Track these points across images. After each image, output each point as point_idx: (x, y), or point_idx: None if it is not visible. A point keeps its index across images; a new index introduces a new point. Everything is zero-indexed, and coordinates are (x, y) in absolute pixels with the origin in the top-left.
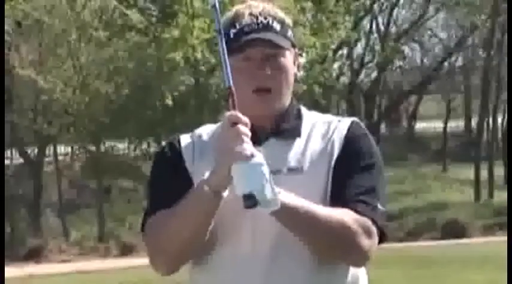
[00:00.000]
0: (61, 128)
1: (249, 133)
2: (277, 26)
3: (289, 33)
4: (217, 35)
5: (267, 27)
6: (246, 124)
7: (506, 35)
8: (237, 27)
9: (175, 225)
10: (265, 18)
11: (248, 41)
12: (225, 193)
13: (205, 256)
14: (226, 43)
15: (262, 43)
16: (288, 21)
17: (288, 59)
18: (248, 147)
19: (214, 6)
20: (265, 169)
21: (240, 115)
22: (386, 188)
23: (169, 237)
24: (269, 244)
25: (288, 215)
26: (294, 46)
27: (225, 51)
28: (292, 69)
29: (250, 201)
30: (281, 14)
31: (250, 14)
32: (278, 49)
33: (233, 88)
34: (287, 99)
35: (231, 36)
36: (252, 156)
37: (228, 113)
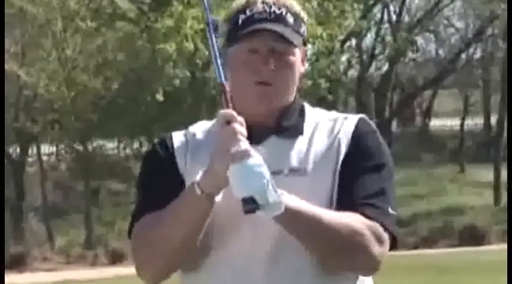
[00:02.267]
0: (45, 126)
1: (245, 132)
2: (290, 19)
3: (303, 28)
4: (206, 27)
5: (280, 19)
6: (241, 123)
7: None
8: (247, 13)
9: (165, 230)
10: (279, 9)
11: (257, 30)
12: (218, 197)
13: (199, 262)
14: (233, 29)
15: (271, 35)
16: (303, 15)
17: (296, 55)
18: (245, 146)
19: None
20: (265, 170)
21: (234, 113)
22: (397, 190)
23: (158, 242)
24: (270, 249)
25: (292, 220)
26: (305, 43)
27: (215, 45)
28: (299, 66)
29: (251, 205)
30: (297, 7)
31: (263, 2)
32: (288, 45)
33: (226, 85)
34: (290, 97)
35: (239, 22)
36: (250, 156)
37: (221, 111)
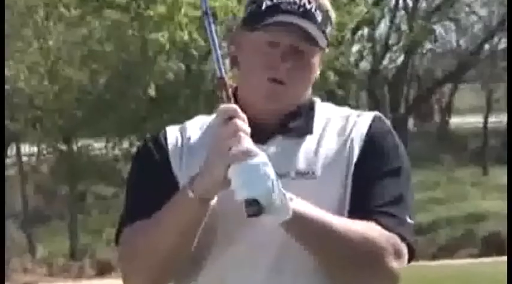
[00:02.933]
0: (25, 123)
1: (249, 130)
2: (319, 17)
3: (329, 29)
4: (204, 16)
5: (308, 15)
6: (243, 120)
7: None
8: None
9: (154, 238)
10: (309, 3)
11: (280, 23)
12: (214, 201)
13: (194, 272)
14: (253, 12)
15: (297, 32)
16: (332, 15)
17: (316, 56)
18: (248, 144)
19: None
20: (271, 170)
21: (237, 108)
22: (414, 195)
23: (147, 252)
24: (273, 258)
25: (301, 226)
26: (327, 45)
27: (214, 36)
28: (316, 70)
29: (254, 207)
30: (328, 4)
31: None
32: (312, 46)
33: (226, 79)
34: (302, 97)
35: (263, 7)
36: (254, 154)
37: (222, 106)
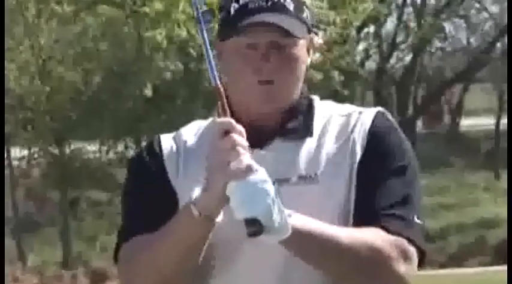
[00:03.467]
0: (16, 125)
1: (246, 144)
2: (290, 6)
3: (305, 13)
4: (197, 24)
5: (278, 7)
6: (241, 133)
7: None
8: (240, 1)
9: (157, 256)
10: None
11: (252, 24)
12: (219, 218)
13: None
14: (224, 19)
15: (270, 28)
16: None
17: (300, 46)
18: (246, 160)
19: None
20: (270, 188)
21: (233, 122)
22: (423, 200)
23: (150, 270)
24: (277, 274)
25: (301, 243)
26: (309, 31)
27: (208, 45)
28: (304, 61)
29: (254, 227)
30: None
31: None
32: (290, 38)
33: (221, 88)
34: (295, 94)
35: (232, 12)
36: (253, 171)
37: (218, 120)
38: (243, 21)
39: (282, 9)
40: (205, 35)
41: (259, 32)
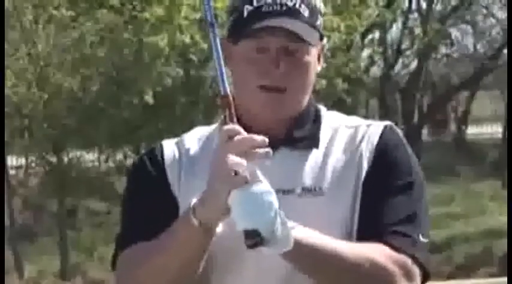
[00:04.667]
0: (12, 133)
1: (253, 151)
2: (305, 12)
3: (319, 21)
4: (208, 28)
5: (293, 12)
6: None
7: None
8: (254, 4)
9: (155, 266)
10: (291, 0)
11: (266, 27)
12: (219, 228)
13: None
14: (236, 22)
15: (284, 33)
16: (320, 4)
17: (312, 54)
18: (251, 169)
19: None
20: (274, 199)
21: (240, 129)
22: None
23: (151, 277)
24: (280, 280)
25: (302, 256)
26: (321, 38)
27: (219, 50)
28: (314, 66)
29: (254, 239)
30: None
31: None
32: (303, 44)
33: (230, 98)
34: (304, 101)
35: (245, 15)
36: (256, 181)
37: (225, 127)
38: (256, 25)
39: (296, 14)
40: (218, 41)
41: (270, 36)
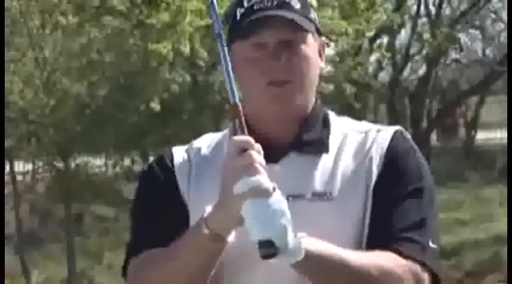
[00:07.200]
0: (20, 139)
1: (264, 162)
2: (296, 5)
3: (312, 14)
4: (217, 39)
5: (284, 5)
6: (258, 151)
7: None
8: (245, 5)
9: (170, 271)
10: None
11: (258, 20)
12: (230, 238)
13: None
14: (231, 28)
15: (276, 23)
16: (311, 0)
17: (311, 46)
18: (264, 179)
19: (212, 3)
20: (286, 208)
21: (251, 140)
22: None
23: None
24: None
25: (313, 266)
26: (318, 32)
27: (228, 60)
28: (316, 60)
29: (269, 248)
30: None
31: None
32: (298, 31)
33: (240, 107)
34: (310, 97)
35: (238, 17)
36: (270, 191)
37: (235, 137)
38: (247, 20)
39: (287, 6)
40: (226, 51)
41: (265, 29)
